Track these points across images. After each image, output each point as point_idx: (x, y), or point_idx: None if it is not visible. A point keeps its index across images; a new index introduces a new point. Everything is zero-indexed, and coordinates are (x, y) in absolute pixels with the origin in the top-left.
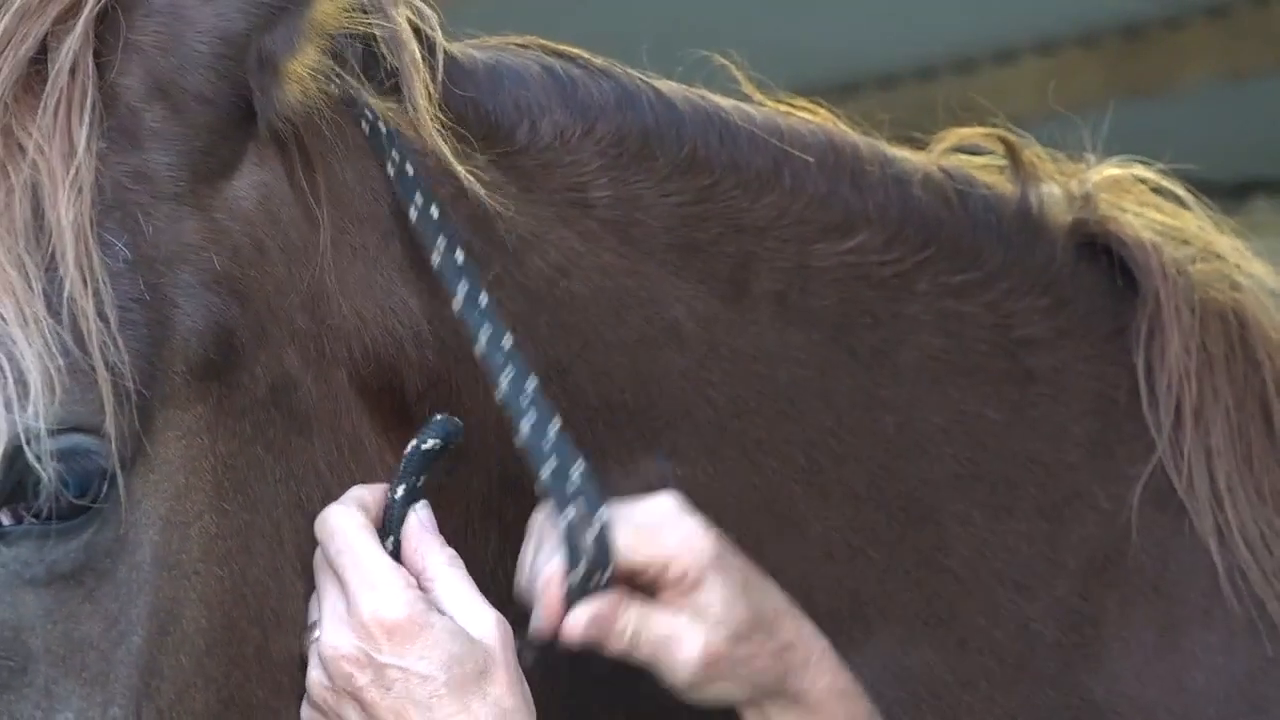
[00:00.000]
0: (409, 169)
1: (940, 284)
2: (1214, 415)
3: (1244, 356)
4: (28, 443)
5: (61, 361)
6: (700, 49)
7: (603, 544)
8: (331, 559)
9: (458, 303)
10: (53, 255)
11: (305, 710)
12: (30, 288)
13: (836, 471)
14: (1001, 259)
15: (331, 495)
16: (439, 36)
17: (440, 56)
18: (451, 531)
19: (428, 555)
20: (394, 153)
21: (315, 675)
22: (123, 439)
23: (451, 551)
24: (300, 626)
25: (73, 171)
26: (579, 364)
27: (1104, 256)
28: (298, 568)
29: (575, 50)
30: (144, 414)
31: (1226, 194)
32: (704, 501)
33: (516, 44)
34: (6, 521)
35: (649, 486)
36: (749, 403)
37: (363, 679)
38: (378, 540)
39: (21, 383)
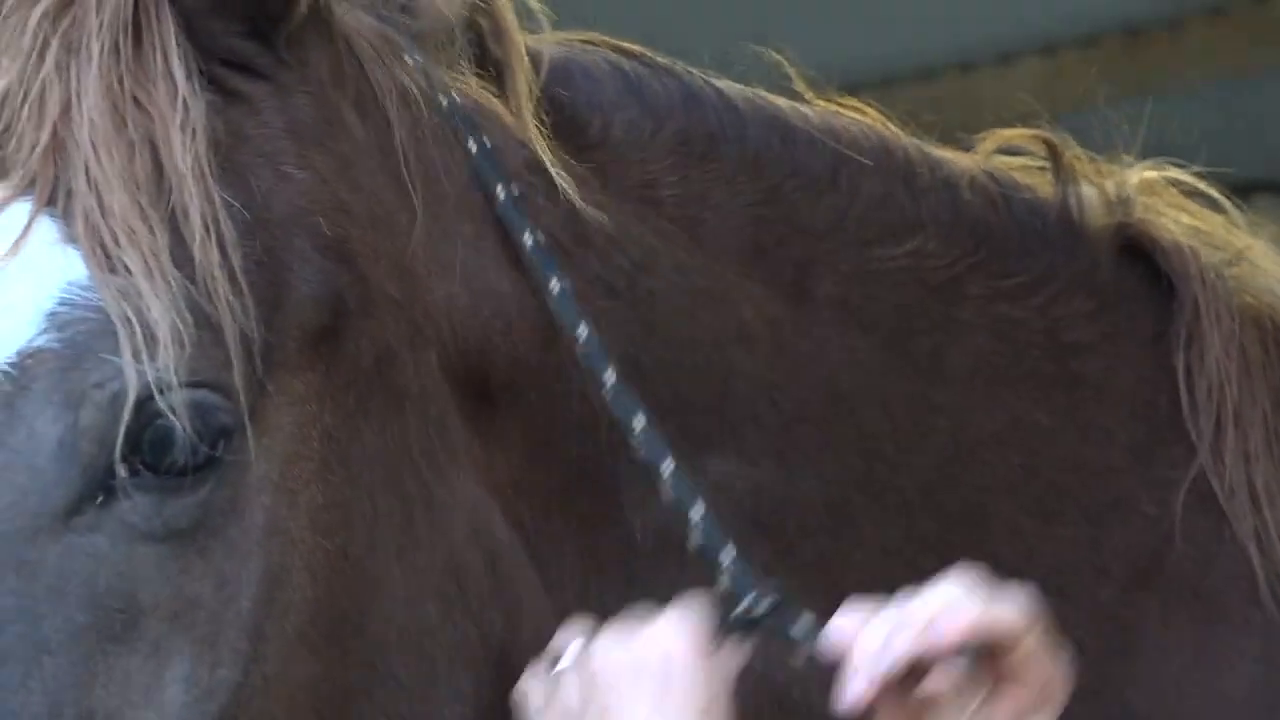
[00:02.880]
0: (492, 154)
1: (991, 287)
2: (1252, 419)
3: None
4: (160, 392)
5: (189, 316)
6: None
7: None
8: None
9: (553, 295)
10: (173, 209)
11: None
12: (156, 240)
13: (892, 478)
14: (1047, 262)
15: (423, 479)
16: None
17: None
18: (528, 517)
19: None
20: (473, 137)
21: None
22: (250, 393)
23: None
24: (393, 609)
25: (180, 112)
26: (655, 361)
27: (1143, 260)
28: (391, 549)
29: (638, 48)
30: (263, 376)
31: (1227, 194)
32: (770, 503)
33: (581, 40)
34: (125, 474)
35: (715, 486)
36: (813, 407)
37: None
38: None
39: (150, 335)
